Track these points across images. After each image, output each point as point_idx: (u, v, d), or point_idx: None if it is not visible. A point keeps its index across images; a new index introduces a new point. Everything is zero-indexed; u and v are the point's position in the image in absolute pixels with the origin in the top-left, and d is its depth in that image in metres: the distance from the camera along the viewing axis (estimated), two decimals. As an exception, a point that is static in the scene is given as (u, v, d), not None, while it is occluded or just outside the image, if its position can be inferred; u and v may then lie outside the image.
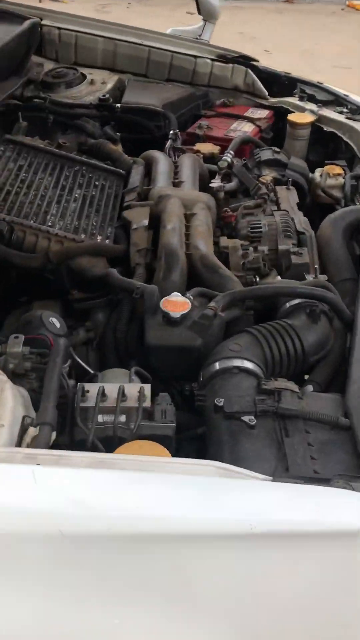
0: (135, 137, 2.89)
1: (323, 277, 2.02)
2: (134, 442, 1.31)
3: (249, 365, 1.58)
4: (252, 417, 1.42)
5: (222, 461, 1.35)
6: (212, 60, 3.21)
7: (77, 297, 1.96)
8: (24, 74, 3.00)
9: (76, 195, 2.23)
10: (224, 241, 2.06)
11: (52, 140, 2.61)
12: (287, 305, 1.84)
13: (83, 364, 1.81)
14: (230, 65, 3.21)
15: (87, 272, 1.92)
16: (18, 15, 2.93)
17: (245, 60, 3.24)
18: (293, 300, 1.82)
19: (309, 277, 2.01)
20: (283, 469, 1.33)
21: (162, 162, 2.43)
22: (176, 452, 1.43)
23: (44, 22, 3.24)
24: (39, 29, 2.97)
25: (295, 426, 1.43)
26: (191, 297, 1.76)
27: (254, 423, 1.41)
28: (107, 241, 2.07)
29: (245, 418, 1.42)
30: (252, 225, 2.20)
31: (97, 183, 2.34)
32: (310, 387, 1.56)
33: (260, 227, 2.20)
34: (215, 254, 2.02)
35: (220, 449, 1.40)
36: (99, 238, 2.07)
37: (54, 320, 1.72)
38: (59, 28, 3.22)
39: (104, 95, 2.88)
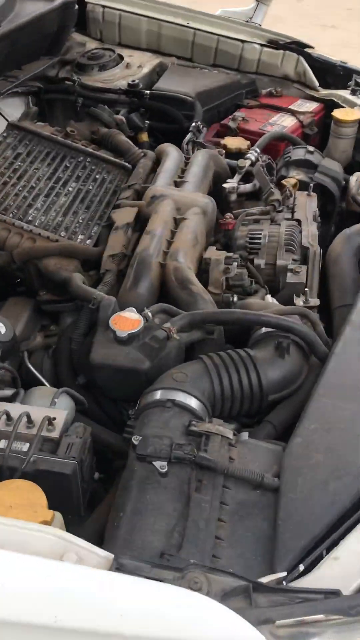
0: (163, 127, 2.74)
1: (314, 301, 1.81)
2: (12, 481, 1.20)
3: (187, 400, 1.42)
4: (165, 464, 1.27)
5: (123, 510, 1.23)
6: (261, 45, 2.98)
7: (44, 299, 1.86)
8: (58, 54, 2.92)
9: (70, 188, 2.13)
10: (209, 252, 1.88)
11: (78, 126, 2.52)
12: (258, 332, 1.66)
13: (35, 372, 1.72)
14: (281, 51, 2.96)
15: (53, 275, 1.82)
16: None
17: (298, 47, 2.97)
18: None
19: (299, 301, 1.81)
20: (180, 531, 1.18)
21: (171, 157, 2.27)
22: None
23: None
24: (76, 6, 2.84)
25: (213, 480, 1.27)
26: (149, 314, 1.62)
27: (164, 470, 1.27)
28: (88, 241, 1.96)
29: (157, 464, 1.27)
30: (251, 235, 2.01)
31: (97, 176, 2.23)
32: (245, 435, 1.38)
33: (260, 238, 2.00)
34: (199, 267, 1.85)
35: (125, 495, 1.27)
36: (80, 237, 1.96)
37: (0, 325, 1.63)
38: (103, 6, 3.10)
39: (133, 81, 2.73)
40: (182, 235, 1.88)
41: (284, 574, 1.06)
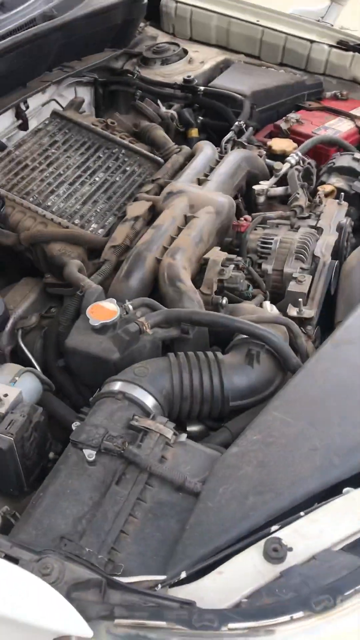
0: (215, 124, 2.74)
1: (308, 313, 1.76)
2: None
3: (139, 394, 1.44)
4: (93, 453, 1.30)
5: (45, 490, 1.28)
6: (330, 46, 2.89)
7: (49, 282, 1.94)
8: (125, 47, 2.99)
9: (96, 178, 2.19)
10: (210, 252, 1.87)
11: (121, 118, 2.59)
12: (237, 337, 1.64)
13: (25, 350, 1.80)
14: (351, 53, 2.87)
15: (55, 259, 1.89)
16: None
17: (369, 49, 2.86)
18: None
19: (292, 310, 1.76)
20: (88, 519, 1.21)
21: (202, 155, 2.28)
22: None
23: (164, -7, 3.17)
24: (145, 1, 2.89)
25: (136, 475, 1.28)
26: (130, 307, 1.64)
27: (92, 459, 1.29)
28: (100, 231, 2.01)
29: (87, 452, 1.30)
30: (263, 239, 1.98)
31: (127, 169, 2.27)
32: (184, 436, 1.37)
33: (271, 243, 1.96)
34: (198, 266, 1.85)
35: (52, 477, 1.31)
36: (92, 226, 2.02)
37: (-10, 301, 1.72)
38: (177, 1, 3.13)
39: (188, 76, 2.75)
40: (186, 233, 1.89)
41: (162, 577, 1.06)
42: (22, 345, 1.81)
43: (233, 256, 1.89)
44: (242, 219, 2.06)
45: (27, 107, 2.48)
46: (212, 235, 1.96)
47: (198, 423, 1.62)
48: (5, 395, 1.42)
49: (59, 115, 2.39)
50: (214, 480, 1.27)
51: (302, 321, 1.76)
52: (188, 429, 1.62)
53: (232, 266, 1.82)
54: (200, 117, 2.77)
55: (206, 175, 2.19)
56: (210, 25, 3.09)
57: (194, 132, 2.72)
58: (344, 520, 1.15)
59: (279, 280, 1.95)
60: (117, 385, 1.47)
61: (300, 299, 1.76)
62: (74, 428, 1.36)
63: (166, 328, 1.65)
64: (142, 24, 3.26)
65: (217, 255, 1.86)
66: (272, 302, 1.88)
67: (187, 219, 1.97)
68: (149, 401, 1.45)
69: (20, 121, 2.50)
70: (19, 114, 2.48)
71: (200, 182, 2.15)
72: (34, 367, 1.80)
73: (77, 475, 1.29)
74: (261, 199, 2.26)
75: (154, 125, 2.48)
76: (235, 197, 2.31)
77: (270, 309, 1.83)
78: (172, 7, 3.16)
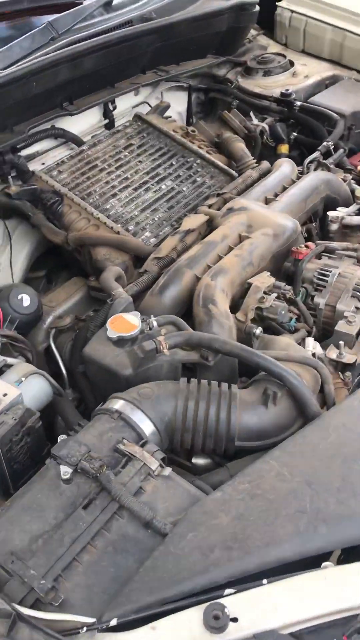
0: (309, 141, 2.62)
1: (349, 358, 1.62)
2: None
3: (137, 418, 1.38)
4: (69, 471, 1.26)
5: (14, 500, 1.26)
6: None
7: (92, 285, 1.93)
8: (231, 54, 2.94)
9: (163, 186, 2.16)
10: (257, 277, 1.77)
11: (205, 127, 2.55)
12: (261, 372, 1.53)
13: (54, 349, 1.82)
14: None
15: (99, 263, 1.88)
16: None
17: None
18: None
19: (332, 353, 1.63)
20: (45, 539, 1.17)
21: (277, 173, 2.18)
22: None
23: (282, 3, 3.08)
24: (255, 9, 2.82)
25: (107, 503, 1.22)
26: (154, 323, 1.59)
27: (67, 477, 1.25)
28: (152, 240, 1.98)
29: (63, 468, 1.26)
30: (320, 271, 1.85)
31: (198, 179, 2.22)
32: (168, 470, 1.29)
33: (328, 276, 1.83)
34: (241, 290, 1.76)
35: (25, 487, 1.28)
36: (146, 234, 1.99)
37: (24, 297, 1.74)
38: (292, 11, 3.03)
39: (286, 90, 2.65)
40: (235, 253, 1.81)
41: (91, 620, 1.00)
42: (53, 345, 1.82)
43: (282, 284, 1.78)
44: (303, 245, 1.93)
45: (115, 108, 2.50)
46: (264, 259, 1.85)
47: (206, 456, 1.54)
48: (5, 394, 1.41)
49: (141, 119, 2.39)
50: (184, 524, 1.18)
51: (342, 366, 1.63)
52: (193, 460, 1.54)
53: (274, 295, 1.71)
54: (294, 133, 2.66)
55: (276, 195, 2.09)
56: (324, 38, 2.96)
57: (284, 148, 2.62)
58: (307, 600, 1.03)
59: (331, 316, 1.81)
60: (118, 404, 1.42)
61: (341, 342, 1.62)
62: (59, 440, 1.33)
63: (188, 351, 1.58)
64: (254, 32, 3.19)
65: (261, 281, 1.75)
66: (322, 339, 1.75)
67: (241, 239, 1.88)
68: (146, 426, 1.39)
69: (106, 120, 2.52)
70: (106, 113, 2.50)
71: (267, 202, 2.06)
72: (60, 368, 1.82)
73: (48, 491, 1.26)
74: (334, 227, 2.12)
75: (235, 137, 2.41)
76: (309, 222, 2.19)
77: (312, 346, 1.70)
78: (286, 17, 3.06)
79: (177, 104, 2.89)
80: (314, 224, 2.18)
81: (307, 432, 1.35)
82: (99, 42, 2.13)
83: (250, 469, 1.28)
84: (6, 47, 2.14)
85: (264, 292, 1.72)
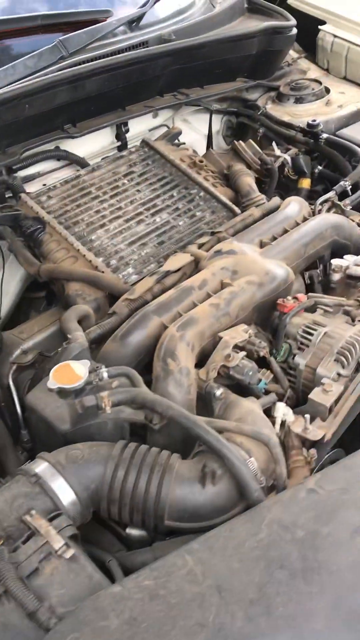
0: (335, 177, 2.44)
1: (316, 434, 1.45)
2: None
3: (56, 486, 1.27)
4: None
5: None
6: None
7: (63, 321, 1.83)
8: (263, 78, 2.79)
9: (157, 219, 2.04)
10: (229, 330, 1.62)
11: (217, 156, 2.41)
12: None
13: (12, 387, 1.73)
14: None
15: (70, 299, 1.78)
16: (276, 12, 2.69)
17: None
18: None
19: (296, 426, 1.46)
20: None
21: (281, 214, 2.02)
22: None
23: (325, 27, 2.91)
24: (291, 32, 2.66)
25: (-7, 583, 1.11)
26: (105, 374, 1.47)
27: None
28: (134, 277, 1.86)
29: None
30: (304, 328, 1.68)
31: (198, 214, 2.09)
32: (71, 551, 1.16)
33: (311, 335, 1.66)
34: (210, 342, 1.62)
35: None
36: (127, 271, 1.87)
37: None
38: (335, 36, 2.85)
39: (313, 120, 2.47)
40: (210, 302, 1.66)
41: None
42: (10, 382, 1.73)
43: (257, 340, 1.62)
44: (292, 298, 1.76)
45: (127, 131, 2.40)
46: (244, 310, 1.70)
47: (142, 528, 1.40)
48: None
49: (148, 145, 2.28)
50: (70, 621, 1.06)
51: (310, 442, 1.46)
52: (128, 530, 1.41)
53: (242, 353, 1.55)
54: (320, 167, 2.49)
55: (274, 238, 1.92)
56: (366, 66, 2.77)
57: (306, 183, 2.45)
58: None
59: (311, 379, 1.64)
60: (40, 467, 1.30)
61: (307, 415, 1.45)
62: None
63: (135, 409, 1.45)
64: (296, 55, 3.03)
65: (232, 335, 1.60)
66: (302, 403, 1.59)
67: (223, 285, 1.73)
68: (66, 495, 1.27)
69: (119, 143, 2.43)
70: (119, 136, 2.41)
71: (262, 245, 1.90)
72: (15, 407, 1.73)
73: None
74: (336, 277, 1.94)
75: (244, 170, 2.26)
76: (312, 267, 2.01)
77: (283, 413, 1.54)
78: (328, 42, 2.88)
79: (205, 127, 2.77)
80: (317, 271, 2.01)
81: (236, 525, 1.19)
82: (102, 65, 2.04)
83: (161, 562, 1.14)
84: (9, 65, 2.08)
85: (235, 348, 1.57)
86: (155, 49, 2.20)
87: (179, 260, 1.83)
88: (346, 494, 1.23)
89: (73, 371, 1.47)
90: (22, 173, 2.17)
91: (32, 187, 2.17)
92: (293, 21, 2.66)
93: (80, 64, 2.03)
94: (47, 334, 1.86)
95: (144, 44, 2.27)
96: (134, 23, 2.47)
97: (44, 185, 2.17)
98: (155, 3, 2.53)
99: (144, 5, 2.49)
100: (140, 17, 2.47)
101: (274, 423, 1.51)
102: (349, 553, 1.12)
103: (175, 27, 2.40)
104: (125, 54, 2.13)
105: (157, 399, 1.39)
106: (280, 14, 2.73)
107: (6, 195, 2.10)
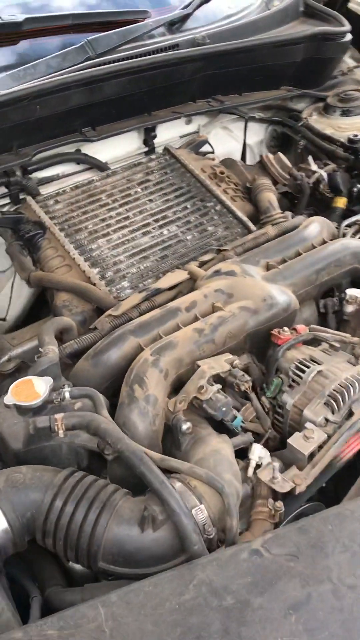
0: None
1: (284, 486, 1.32)
2: None
3: (-10, 511, 1.21)
4: None
5: None
6: None
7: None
8: (311, 87, 2.65)
9: (164, 231, 1.95)
10: (211, 359, 1.51)
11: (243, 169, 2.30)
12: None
13: None
14: None
15: (57, 309, 1.72)
16: (331, 17, 2.55)
17: None
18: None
19: (264, 474, 1.34)
20: None
21: (297, 235, 1.88)
22: None
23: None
24: (344, 38, 2.50)
25: None
26: (67, 394, 1.40)
27: None
28: (128, 291, 1.78)
29: None
30: (297, 364, 1.55)
31: (210, 228, 1.99)
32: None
33: (304, 372, 1.53)
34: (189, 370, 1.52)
35: None
36: (122, 284, 1.80)
37: None
38: (395, 43, 2.67)
39: (355, 135, 2.31)
40: (195, 326, 1.56)
41: None
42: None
43: (239, 373, 1.50)
44: (289, 329, 1.63)
45: (155, 136, 2.32)
46: (234, 338, 1.58)
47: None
48: None
49: (169, 152, 2.19)
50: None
51: (278, 493, 1.33)
52: (70, 563, 1.33)
53: (217, 386, 1.44)
54: (359, 186, 2.32)
55: (284, 261, 1.79)
56: None
57: (340, 202, 2.28)
58: None
59: (297, 421, 1.51)
60: (-26, 484, 1.25)
61: (276, 463, 1.32)
62: None
63: (90, 435, 1.37)
64: (353, 64, 2.86)
65: (212, 365, 1.49)
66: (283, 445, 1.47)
67: (214, 309, 1.63)
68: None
69: (146, 148, 2.36)
70: (147, 141, 2.34)
71: (268, 268, 1.77)
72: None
73: None
74: (350, 308, 1.78)
75: (266, 185, 2.13)
76: (329, 295, 1.87)
77: (259, 456, 1.42)
78: (387, 51, 2.71)
79: (255, 135, 2.66)
80: (334, 299, 1.86)
81: (162, 580, 1.09)
82: (120, 68, 1.97)
83: (72, 611, 1.06)
84: (32, 63, 2.05)
85: (215, 379, 1.46)
86: (182, 53, 2.12)
87: (173, 277, 1.73)
88: (293, 561, 1.10)
89: (33, 388, 1.41)
90: (41, 174, 2.14)
91: (49, 189, 2.14)
92: (347, 27, 2.51)
93: (98, 66, 1.97)
94: (36, 343, 1.81)
95: (174, 47, 2.19)
96: (174, 26, 2.40)
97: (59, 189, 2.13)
98: (200, 5, 2.45)
99: (186, 7, 2.42)
100: (181, 20, 2.40)
101: (248, 466, 1.41)
102: (277, 633, 1.00)
103: (215, 30, 2.30)
104: (148, 57, 2.05)
105: (109, 428, 1.31)
106: (335, 18, 2.58)
107: (20, 197, 2.08)
